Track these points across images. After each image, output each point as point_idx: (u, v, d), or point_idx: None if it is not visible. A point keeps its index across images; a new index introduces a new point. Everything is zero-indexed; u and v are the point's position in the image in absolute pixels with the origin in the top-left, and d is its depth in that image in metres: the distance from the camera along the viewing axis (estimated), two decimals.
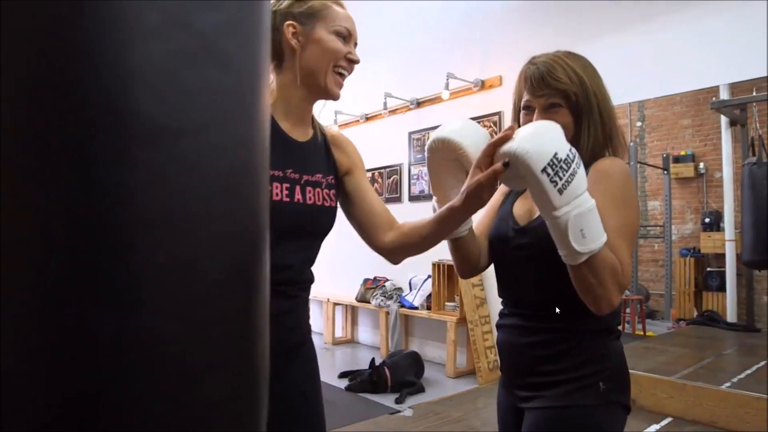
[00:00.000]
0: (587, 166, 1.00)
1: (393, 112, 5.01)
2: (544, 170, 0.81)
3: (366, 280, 5.09)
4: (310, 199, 1.04)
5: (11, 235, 0.43)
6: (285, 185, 0.99)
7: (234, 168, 0.52)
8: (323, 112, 5.59)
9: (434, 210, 1.08)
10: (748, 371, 3.61)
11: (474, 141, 0.97)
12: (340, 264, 5.55)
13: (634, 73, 3.38)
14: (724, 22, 3.05)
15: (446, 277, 4.26)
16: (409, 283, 4.72)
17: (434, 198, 1.08)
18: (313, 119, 1.13)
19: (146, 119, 0.44)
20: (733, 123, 4.64)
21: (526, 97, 1.04)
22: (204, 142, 0.49)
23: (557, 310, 1.00)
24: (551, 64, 1.01)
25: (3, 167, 0.42)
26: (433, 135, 1.00)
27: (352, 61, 1.08)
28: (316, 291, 5.42)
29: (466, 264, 1.14)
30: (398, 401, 3.43)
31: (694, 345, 4.57)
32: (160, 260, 0.46)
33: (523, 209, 1.09)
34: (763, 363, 3.77)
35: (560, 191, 0.82)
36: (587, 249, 0.83)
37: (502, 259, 1.12)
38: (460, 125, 1.00)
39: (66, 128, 0.43)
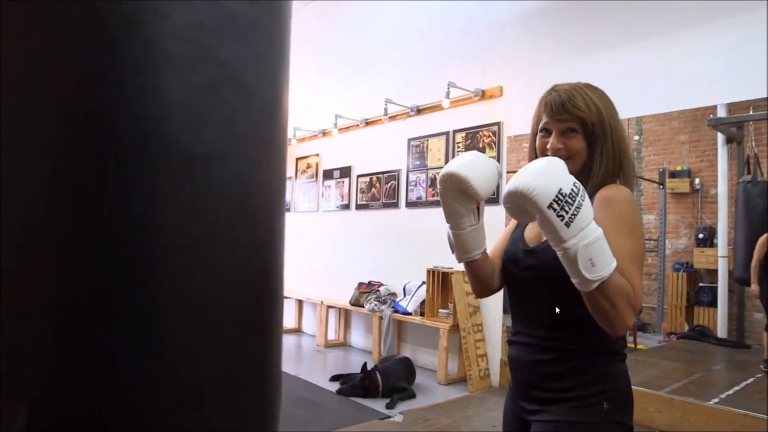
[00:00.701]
0: (594, 194, 1.05)
1: (393, 118, 5.03)
2: (550, 206, 0.86)
3: (360, 284, 5.10)
4: None
5: (43, 254, 0.45)
6: None
7: (252, 192, 0.55)
8: (324, 115, 5.60)
9: (448, 237, 1.14)
10: (737, 387, 3.65)
11: (482, 174, 1.03)
12: (335, 267, 5.56)
13: (633, 89, 3.42)
14: (724, 43, 3.09)
15: (440, 284, 4.28)
16: (404, 289, 4.74)
17: (448, 226, 1.13)
18: None
19: (179, 148, 0.46)
20: (729, 140, 4.69)
21: (544, 120, 1.11)
22: (227, 168, 0.51)
23: (564, 332, 1.05)
24: (572, 92, 1.08)
25: (41, 190, 0.44)
26: (444, 169, 1.07)
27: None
28: (309, 293, 5.44)
29: (479, 284, 1.20)
30: (389, 406, 3.45)
31: (685, 359, 4.61)
32: (183, 286, 0.48)
33: (533, 233, 1.15)
34: (751, 379, 3.81)
35: (567, 224, 0.86)
36: (598, 276, 0.87)
37: (513, 279, 1.17)
38: (467, 159, 1.06)
39: (102, 156, 0.45)
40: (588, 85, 1.12)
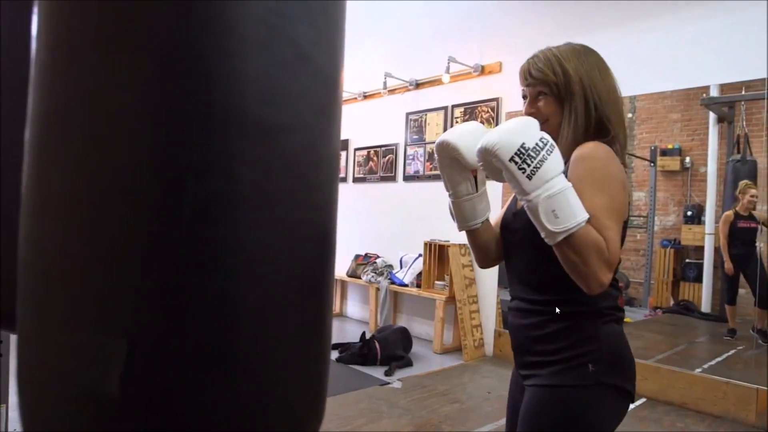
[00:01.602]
0: (570, 153, 1.06)
1: (392, 91, 5.05)
2: (511, 159, 0.90)
3: (357, 256, 5.19)
4: None
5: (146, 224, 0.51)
6: None
7: (318, 162, 0.61)
8: None
9: (450, 208, 1.17)
10: (719, 358, 3.80)
11: (472, 143, 1.04)
12: None
13: (629, 67, 3.47)
14: (719, 24, 3.14)
15: (437, 257, 4.38)
16: (400, 261, 4.83)
17: (448, 194, 1.16)
18: None
19: (255, 119, 0.53)
20: (720, 120, 4.77)
21: (522, 86, 1.15)
22: (297, 139, 0.57)
23: (547, 295, 1.07)
24: (538, 56, 1.12)
25: (142, 158, 0.51)
26: (439, 137, 1.10)
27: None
28: None
29: (480, 253, 1.23)
30: (387, 374, 3.57)
31: (669, 332, 4.77)
32: (251, 242, 0.55)
33: None
34: (732, 351, 3.97)
35: (529, 177, 0.89)
36: (561, 228, 0.89)
37: (506, 244, 1.19)
38: (462, 129, 1.09)
39: (190, 128, 0.51)
40: (565, 46, 1.13)
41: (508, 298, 1.21)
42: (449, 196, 1.15)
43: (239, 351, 0.55)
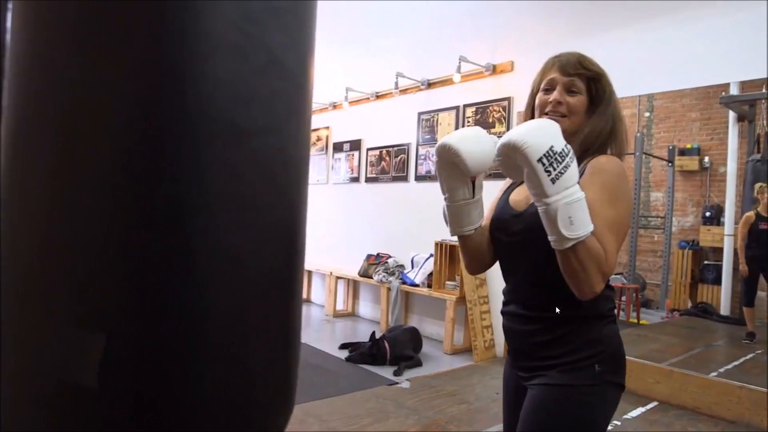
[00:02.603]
0: (582, 159, 1.07)
1: (404, 91, 5.05)
2: (540, 160, 0.89)
3: (369, 256, 5.20)
4: None
5: (101, 217, 0.52)
6: None
7: (288, 163, 0.62)
8: (334, 88, 5.56)
9: (444, 211, 1.15)
10: (736, 362, 3.73)
11: (477, 150, 1.03)
12: (344, 239, 5.66)
13: (646, 66, 3.42)
14: (738, 20, 3.07)
15: (448, 257, 4.36)
16: (411, 261, 4.83)
17: (444, 197, 1.14)
18: None
19: (227, 123, 0.53)
20: (741, 119, 4.68)
21: (551, 75, 1.12)
22: (269, 141, 0.58)
23: (551, 299, 1.07)
24: (580, 53, 1.12)
25: (114, 159, 0.51)
26: (440, 140, 1.08)
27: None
28: (319, 264, 5.49)
29: (470, 259, 1.21)
30: (396, 374, 3.57)
31: (686, 335, 4.69)
32: (222, 244, 0.55)
33: (520, 196, 1.16)
34: (751, 355, 3.90)
35: (553, 180, 0.90)
36: (574, 235, 0.91)
37: (502, 246, 1.17)
38: (464, 134, 1.06)
39: (162, 128, 0.52)
40: (585, 55, 1.15)
41: None
42: (444, 199, 1.14)
43: (210, 349, 0.56)
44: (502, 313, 1.20)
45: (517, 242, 1.11)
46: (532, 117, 1.16)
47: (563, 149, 0.92)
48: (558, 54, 1.15)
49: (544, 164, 0.90)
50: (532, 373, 1.11)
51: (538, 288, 1.10)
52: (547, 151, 0.90)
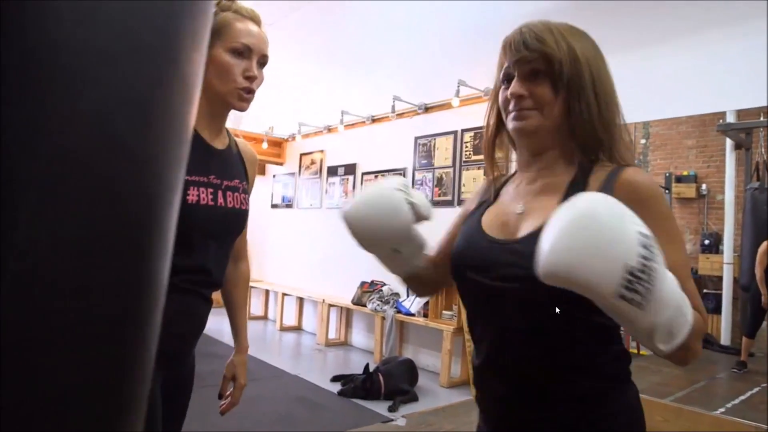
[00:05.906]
0: (587, 164, 0.83)
1: (400, 115, 4.98)
2: (621, 297, 0.61)
3: (363, 283, 5.06)
4: (230, 202, 1.13)
5: None
6: (209, 190, 1.08)
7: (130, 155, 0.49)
8: (329, 112, 5.50)
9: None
10: (742, 397, 3.61)
11: (386, 221, 0.92)
12: (337, 266, 5.52)
13: (642, 93, 3.37)
14: (735, 49, 3.05)
15: None
16: (407, 289, 4.70)
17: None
18: (225, 128, 1.21)
19: None
20: (738, 146, 4.65)
21: (506, 64, 0.87)
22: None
23: (566, 362, 0.81)
24: (539, 26, 0.84)
25: None
26: (343, 206, 0.94)
27: (250, 78, 1.07)
28: (311, 291, 5.35)
29: (426, 287, 1.12)
30: (391, 409, 3.41)
31: (688, 367, 4.53)
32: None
33: (497, 219, 0.89)
34: (756, 389, 3.78)
35: (641, 307, 0.62)
36: (675, 345, 0.68)
37: (480, 290, 0.86)
38: (367, 200, 0.92)
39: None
40: (568, 25, 0.88)
41: None
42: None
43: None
44: (477, 373, 0.90)
45: (508, 287, 0.81)
46: (499, 119, 0.92)
47: (642, 254, 0.60)
48: (518, 27, 0.87)
49: (626, 297, 0.61)
50: None
51: (546, 348, 0.81)
52: (625, 278, 0.60)
